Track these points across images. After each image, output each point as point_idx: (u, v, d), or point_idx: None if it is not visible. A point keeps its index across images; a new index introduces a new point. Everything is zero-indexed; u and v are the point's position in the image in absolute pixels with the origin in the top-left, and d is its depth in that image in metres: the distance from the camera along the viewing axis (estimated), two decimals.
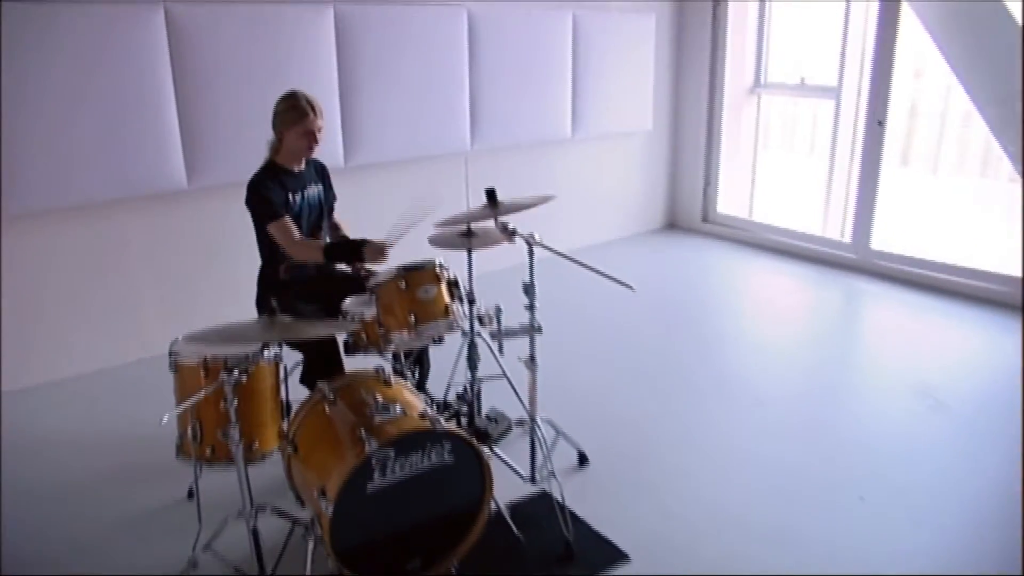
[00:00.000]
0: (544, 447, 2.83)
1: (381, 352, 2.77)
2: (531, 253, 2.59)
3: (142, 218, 4.17)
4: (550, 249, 2.57)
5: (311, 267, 3.12)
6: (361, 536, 2.23)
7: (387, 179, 5.00)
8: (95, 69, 3.72)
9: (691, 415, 3.60)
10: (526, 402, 2.83)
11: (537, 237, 2.58)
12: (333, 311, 2.96)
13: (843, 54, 5.63)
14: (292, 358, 2.85)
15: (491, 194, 2.80)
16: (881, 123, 5.27)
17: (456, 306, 2.77)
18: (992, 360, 4.16)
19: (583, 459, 3.15)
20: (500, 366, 3.11)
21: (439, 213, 3.02)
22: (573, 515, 2.70)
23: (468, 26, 4.98)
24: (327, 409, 2.43)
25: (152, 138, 3.94)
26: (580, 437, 3.19)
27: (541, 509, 2.78)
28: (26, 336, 3.94)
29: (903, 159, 6.52)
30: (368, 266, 3.01)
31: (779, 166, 7.17)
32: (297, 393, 2.88)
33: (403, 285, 2.66)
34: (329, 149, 4.38)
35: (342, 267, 3.22)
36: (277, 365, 2.53)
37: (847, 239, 5.75)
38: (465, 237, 2.98)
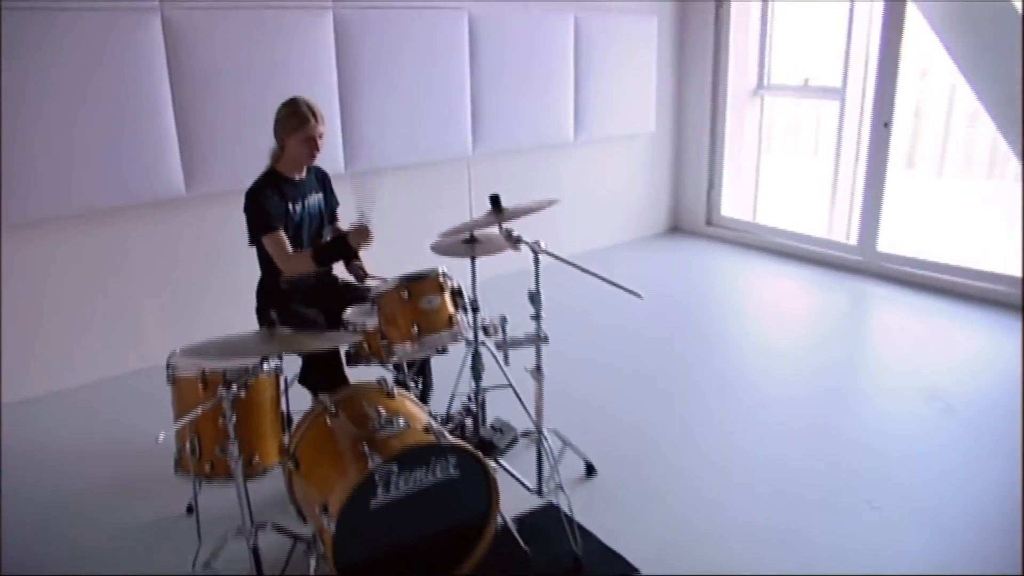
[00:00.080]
0: (551, 459, 2.77)
1: (383, 363, 2.72)
2: (536, 261, 2.53)
3: (141, 226, 4.13)
4: (556, 257, 2.51)
5: (311, 276, 3.07)
6: (364, 552, 2.18)
7: (388, 185, 4.94)
8: (92, 75, 3.68)
9: (697, 420, 3.56)
10: (532, 412, 2.78)
11: (543, 244, 2.53)
12: (335, 319, 2.91)
13: (847, 54, 5.58)
14: (292, 369, 2.80)
15: (495, 200, 2.73)
16: (887, 125, 5.22)
17: (460, 316, 2.71)
18: (999, 362, 4.10)
19: (590, 469, 3.09)
20: (506, 376, 3.06)
21: (442, 219, 2.98)
22: (581, 528, 2.65)
23: (469, 29, 4.93)
24: (328, 422, 2.38)
25: (150, 145, 3.90)
26: (585, 445, 3.13)
27: (548, 522, 2.72)
28: (26, 347, 3.89)
29: (908, 161, 6.47)
30: (361, 252, 2.93)
31: (783, 168, 7.12)
32: (297, 402, 2.84)
33: (405, 295, 2.61)
34: (329, 155, 4.32)
35: (346, 277, 3.17)
36: (277, 376, 2.48)
37: (853, 241, 5.69)
38: (468, 244, 2.92)
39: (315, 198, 3.13)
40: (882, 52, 5.17)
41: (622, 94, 5.92)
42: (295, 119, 2.91)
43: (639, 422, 3.54)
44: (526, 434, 3.10)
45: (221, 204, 4.14)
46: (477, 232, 2.95)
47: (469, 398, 3.15)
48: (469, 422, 3.15)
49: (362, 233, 2.82)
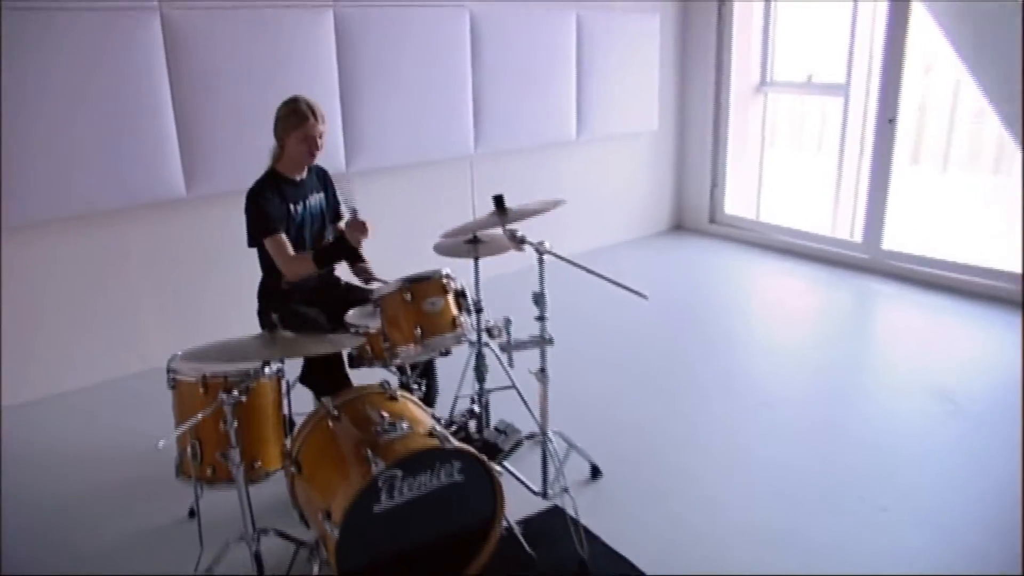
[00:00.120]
0: (556, 462, 2.74)
1: (386, 365, 2.69)
2: (541, 262, 2.50)
3: (141, 227, 4.10)
4: (561, 258, 2.48)
5: (313, 277, 3.04)
6: (368, 558, 2.16)
7: (390, 184, 4.92)
8: (92, 76, 3.66)
9: (702, 420, 3.54)
10: (536, 414, 2.75)
11: (547, 244, 2.49)
12: (337, 320, 2.88)
13: (851, 50, 5.54)
14: (294, 372, 2.77)
15: (499, 201, 2.70)
16: (892, 121, 5.18)
17: (464, 318, 2.68)
18: (1005, 361, 4.06)
19: (595, 472, 3.06)
20: (510, 378, 3.03)
21: (445, 218, 2.95)
22: (587, 531, 2.62)
23: (470, 27, 4.90)
24: (331, 425, 2.35)
25: (150, 145, 3.87)
26: (590, 445, 3.10)
27: (554, 525, 2.70)
28: (26, 349, 3.87)
29: (913, 157, 6.43)
30: (361, 246, 2.87)
31: (787, 165, 7.08)
32: (300, 404, 2.82)
33: (408, 297, 2.58)
34: (331, 154, 4.30)
35: (349, 279, 3.14)
36: (279, 380, 2.45)
37: (857, 239, 5.65)
38: (472, 245, 2.89)
39: (316, 198, 3.10)
40: (887, 48, 5.13)
41: (625, 92, 5.89)
42: (295, 117, 2.88)
43: (644, 422, 3.51)
44: (531, 436, 3.07)
45: (221, 205, 4.12)
46: (480, 232, 2.92)
47: (472, 400, 3.12)
48: (473, 424, 3.12)
49: (358, 227, 2.77)
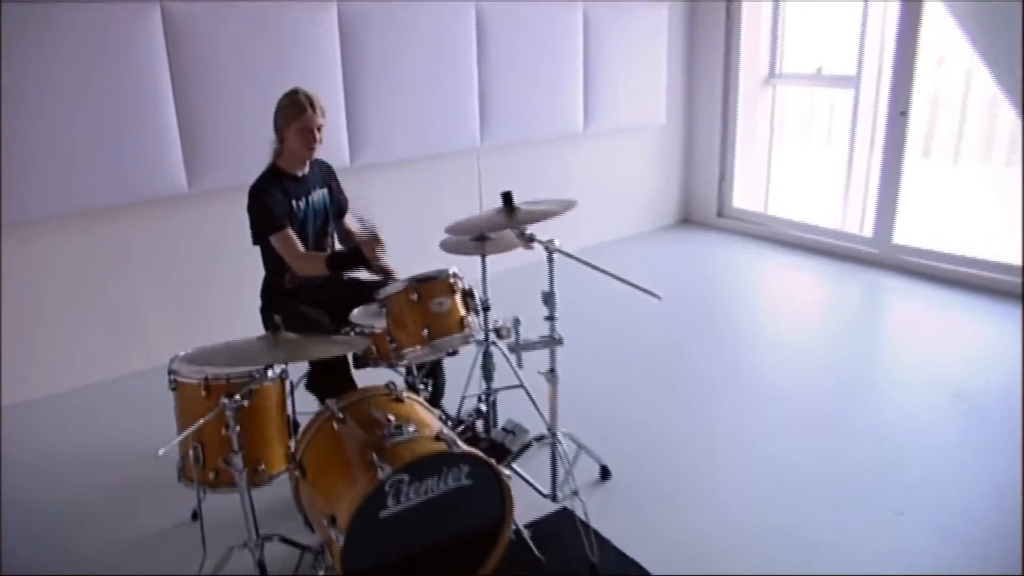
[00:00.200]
0: (566, 464, 2.68)
1: (392, 366, 2.64)
2: (551, 260, 2.43)
3: (143, 224, 4.05)
4: (572, 256, 2.41)
5: (318, 276, 2.99)
6: (374, 563, 2.11)
7: (395, 178, 4.86)
8: (92, 72, 3.60)
9: (711, 417, 3.50)
10: (545, 415, 2.69)
11: (556, 243, 2.43)
12: (342, 320, 2.83)
13: (862, 41, 5.45)
14: (297, 372, 2.72)
15: (507, 198, 2.62)
16: (904, 113, 5.10)
17: (472, 318, 2.63)
18: (1018, 357, 3.98)
19: (605, 473, 3.01)
20: (518, 378, 2.98)
21: (451, 212, 2.88)
22: (597, 534, 2.57)
23: (476, 21, 4.82)
24: (336, 428, 2.30)
25: (151, 141, 3.82)
26: (598, 444, 3.04)
27: (563, 528, 2.64)
28: (26, 347, 3.83)
29: (925, 150, 6.34)
30: (379, 259, 2.83)
31: (796, 158, 6.99)
32: (304, 405, 2.76)
33: (415, 297, 2.52)
34: (335, 149, 4.24)
35: (355, 275, 3.08)
36: (283, 381, 2.40)
37: (868, 233, 5.57)
38: (479, 243, 2.83)
39: (319, 194, 3.04)
40: (899, 39, 5.04)
41: (632, 85, 5.81)
42: (293, 108, 2.82)
43: (652, 421, 3.47)
44: (539, 438, 3.01)
45: (224, 201, 4.06)
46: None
47: (480, 399, 3.07)
48: (480, 424, 3.07)
49: (374, 241, 2.72)
